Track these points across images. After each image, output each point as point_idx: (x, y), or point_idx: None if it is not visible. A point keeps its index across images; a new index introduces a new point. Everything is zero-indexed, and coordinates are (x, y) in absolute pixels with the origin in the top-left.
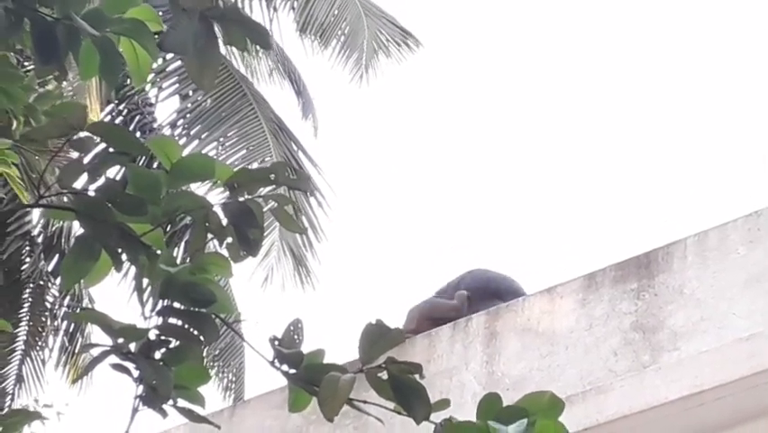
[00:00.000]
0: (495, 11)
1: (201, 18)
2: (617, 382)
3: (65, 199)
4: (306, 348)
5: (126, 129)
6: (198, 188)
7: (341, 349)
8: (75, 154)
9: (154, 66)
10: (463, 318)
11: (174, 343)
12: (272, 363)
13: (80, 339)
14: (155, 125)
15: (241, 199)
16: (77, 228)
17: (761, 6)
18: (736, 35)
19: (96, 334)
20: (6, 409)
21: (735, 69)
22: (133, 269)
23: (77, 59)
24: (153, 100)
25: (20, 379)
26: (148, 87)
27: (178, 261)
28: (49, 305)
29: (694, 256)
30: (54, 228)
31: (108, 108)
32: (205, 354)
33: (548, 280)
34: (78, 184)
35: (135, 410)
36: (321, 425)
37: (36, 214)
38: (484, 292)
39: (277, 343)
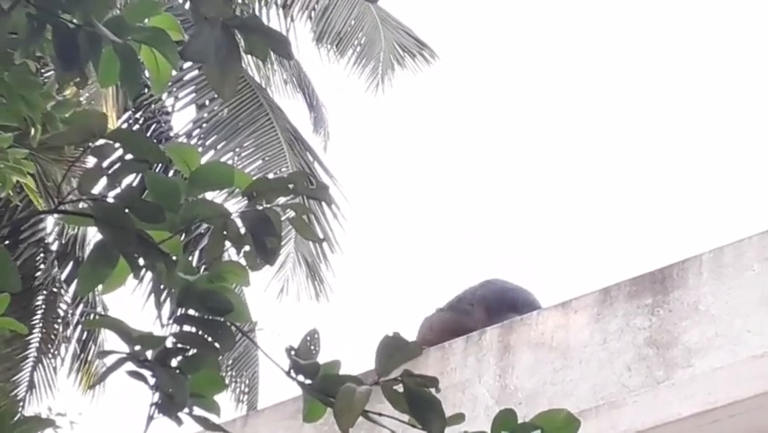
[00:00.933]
0: (510, 24)
1: (223, 27)
2: (630, 398)
3: (82, 206)
4: (321, 359)
5: (145, 136)
6: (215, 197)
7: (355, 360)
8: (91, 163)
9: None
10: (477, 331)
11: (191, 351)
12: (288, 373)
13: (93, 347)
14: (171, 134)
15: (259, 208)
16: (91, 236)
17: None
18: (757, 45)
19: (109, 342)
20: (18, 416)
21: (760, 83)
22: (147, 277)
23: (96, 66)
24: (170, 109)
25: (32, 386)
26: (164, 96)
27: None
28: (62, 312)
29: (709, 272)
30: (68, 236)
31: (125, 116)
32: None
33: (563, 294)
34: (96, 191)
35: (151, 418)
36: None
37: (50, 221)
38: (501, 304)
39: (293, 353)
